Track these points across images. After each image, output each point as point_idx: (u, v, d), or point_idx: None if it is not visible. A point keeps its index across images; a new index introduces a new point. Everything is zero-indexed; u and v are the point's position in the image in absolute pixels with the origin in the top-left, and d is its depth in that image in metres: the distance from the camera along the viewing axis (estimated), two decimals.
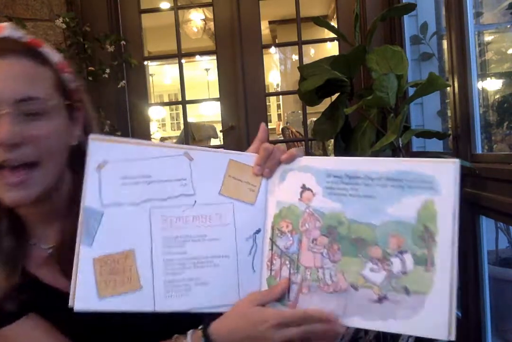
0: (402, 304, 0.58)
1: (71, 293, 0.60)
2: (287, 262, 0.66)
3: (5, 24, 0.70)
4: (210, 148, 0.70)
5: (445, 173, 0.58)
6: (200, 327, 0.65)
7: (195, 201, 0.66)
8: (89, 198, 0.63)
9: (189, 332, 0.65)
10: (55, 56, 0.74)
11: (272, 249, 0.67)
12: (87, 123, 0.79)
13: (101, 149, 0.65)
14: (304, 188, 0.66)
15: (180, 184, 0.66)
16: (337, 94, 1.77)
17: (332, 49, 4.47)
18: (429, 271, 0.57)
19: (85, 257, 0.62)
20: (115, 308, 0.62)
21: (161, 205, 0.65)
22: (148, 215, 0.64)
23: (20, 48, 0.69)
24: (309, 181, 0.66)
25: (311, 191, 0.66)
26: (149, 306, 0.63)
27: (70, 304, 0.60)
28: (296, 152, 0.68)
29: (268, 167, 0.68)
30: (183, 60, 2.68)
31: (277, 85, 7.12)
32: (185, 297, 0.64)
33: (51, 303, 0.75)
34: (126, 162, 0.65)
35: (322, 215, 0.64)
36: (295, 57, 5.66)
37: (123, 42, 2.41)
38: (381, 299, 0.60)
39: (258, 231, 0.68)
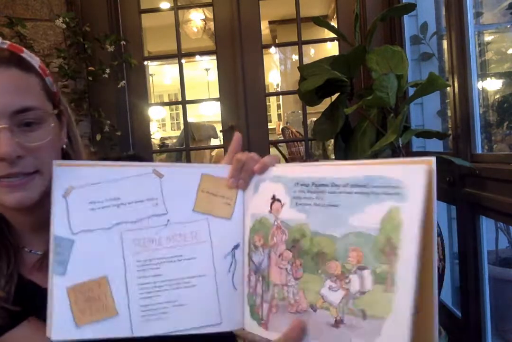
0: (357, 330, 0.51)
1: (47, 323, 0.59)
2: (260, 279, 0.63)
3: None
4: (180, 164, 0.67)
5: (413, 176, 0.50)
6: None
7: (168, 220, 0.64)
8: (58, 226, 0.62)
9: None
10: (35, 60, 0.72)
11: (249, 265, 0.64)
12: (69, 125, 0.78)
13: (66, 175, 0.63)
14: (274, 199, 0.62)
15: (151, 203, 0.64)
16: (337, 94, 1.77)
17: (332, 49, 4.47)
18: (389, 292, 0.49)
19: (58, 287, 0.61)
20: (93, 335, 0.61)
21: (133, 227, 0.63)
22: (119, 239, 0.63)
23: (7, 57, 0.67)
24: (279, 191, 0.62)
25: (280, 202, 0.62)
26: (127, 332, 0.61)
27: (47, 334, 0.59)
28: (268, 161, 0.64)
29: (242, 178, 0.65)
30: (183, 60, 2.68)
31: (277, 85, 7.12)
32: (164, 320, 0.62)
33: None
34: (93, 186, 0.63)
35: (288, 227, 0.60)
36: (295, 57, 5.66)
37: (123, 42, 2.41)
38: (337, 323, 0.53)
39: (236, 246, 0.65)
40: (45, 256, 0.74)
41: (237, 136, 0.70)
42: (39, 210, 0.72)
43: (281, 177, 0.63)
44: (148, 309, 0.62)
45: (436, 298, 0.50)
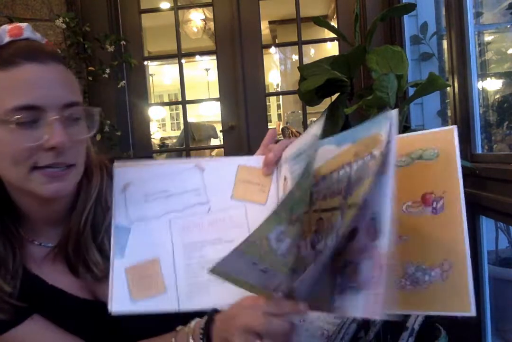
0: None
1: (109, 298, 0.67)
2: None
3: (24, 24, 0.70)
4: (220, 158, 0.78)
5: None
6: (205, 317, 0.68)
7: (210, 208, 0.73)
8: (118, 216, 0.71)
9: (193, 320, 0.70)
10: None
11: None
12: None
13: (123, 174, 0.73)
14: (285, 180, 0.70)
15: (195, 194, 0.73)
16: (337, 94, 1.77)
17: (332, 49, 4.47)
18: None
19: (118, 268, 0.70)
20: (145, 309, 0.69)
21: (179, 215, 0.72)
22: (168, 226, 0.72)
23: (53, 53, 0.71)
24: (286, 171, 0.70)
25: (286, 180, 0.70)
26: (174, 306, 0.69)
27: (108, 308, 0.67)
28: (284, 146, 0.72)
29: (275, 166, 0.72)
30: (183, 60, 2.68)
31: (277, 85, 7.12)
32: (206, 296, 0.69)
33: (55, 303, 0.76)
34: (146, 182, 0.73)
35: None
36: (295, 57, 5.65)
37: (123, 42, 2.41)
38: None
39: None
40: (58, 248, 0.77)
41: (271, 131, 0.78)
42: (61, 202, 0.75)
43: (285, 157, 0.71)
44: (193, 286, 0.70)
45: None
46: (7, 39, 0.67)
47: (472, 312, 0.55)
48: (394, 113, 0.51)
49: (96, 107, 0.73)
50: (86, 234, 0.75)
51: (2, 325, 0.72)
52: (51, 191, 0.68)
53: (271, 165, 0.72)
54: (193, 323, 0.69)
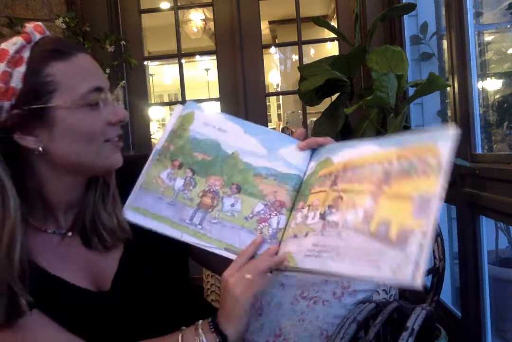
0: None
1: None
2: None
3: (39, 23, 0.74)
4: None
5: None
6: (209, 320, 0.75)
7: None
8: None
9: (199, 322, 0.75)
10: None
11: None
12: None
13: None
14: None
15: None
16: (337, 94, 1.77)
17: (332, 49, 4.47)
18: None
19: None
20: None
21: None
22: None
23: (76, 44, 0.79)
24: None
25: None
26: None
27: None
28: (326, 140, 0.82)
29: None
30: (183, 60, 2.68)
31: (277, 85, 7.12)
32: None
33: (55, 292, 0.76)
34: None
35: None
36: (295, 57, 5.66)
37: (123, 42, 2.41)
38: None
39: None
40: (74, 233, 0.80)
41: (300, 130, 0.87)
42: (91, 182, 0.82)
43: None
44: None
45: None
46: (38, 36, 0.72)
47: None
48: (455, 130, 0.62)
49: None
50: (99, 202, 0.81)
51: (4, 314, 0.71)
52: (117, 160, 0.78)
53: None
54: (200, 321, 0.74)
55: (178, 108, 0.84)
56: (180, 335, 0.74)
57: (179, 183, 0.79)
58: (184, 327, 0.76)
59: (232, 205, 0.77)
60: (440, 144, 0.61)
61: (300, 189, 0.79)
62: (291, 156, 0.81)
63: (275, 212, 0.77)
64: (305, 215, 0.74)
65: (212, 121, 0.83)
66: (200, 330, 0.73)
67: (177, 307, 0.86)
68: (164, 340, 0.76)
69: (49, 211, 0.79)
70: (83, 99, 0.71)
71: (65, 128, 0.72)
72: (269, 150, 0.81)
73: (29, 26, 0.72)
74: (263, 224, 0.76)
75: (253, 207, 0.77)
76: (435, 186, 0.59)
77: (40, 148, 0.72)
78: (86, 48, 0.75)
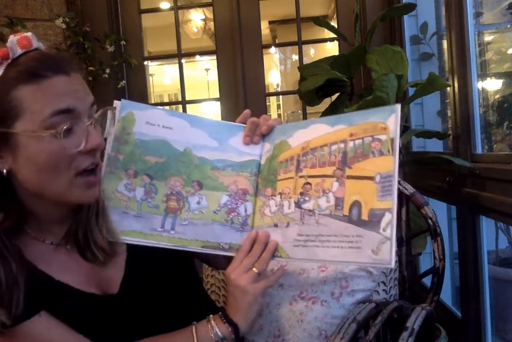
0: None
1: None
2: None
3: (28, 33, 0.69)
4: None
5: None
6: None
7: None
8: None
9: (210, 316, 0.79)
10: None
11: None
12: None
13: None
14: None
15: None
16: (337, 94, 1.77)
17: (332, 49, 4.46)
18: None
19: None
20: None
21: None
22: None
23: (73, 61, 0.72)
24: None
25: None
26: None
27: None
28: (273, 123, 0.85)
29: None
30: (183, 60, 2.68)
31: (277, 85, 7.11)
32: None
33: (62, 298, 0.76)
34: None
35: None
36: (295, 57, 5.65)
37: (123, 42, 2.41)
38: None
39: None
40: (68, 236, 0.78)
41: (246, 112, 0.88)
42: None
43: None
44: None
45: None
46: (19, 51, 0.67)
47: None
48: (398, 107, 0.65)
49: (110, 106, 0.75)
50: (93, 218, 0.77)
51: (10, 319, 0.71)
52: (91, 197, 0.72)
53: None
54: (211, 315, 0.78)
55: (112, 111, 0.76)
56: (194, 327, 0.77)
57: (139, 192, 0.76)
58: (195, 322, 0.79)
59: (198, 203, 0.78)
60: (388, 120, 0.66)
61: (261, 173, 0.80)
62: (242, 144, 0.82)
63: (240, 201, 0.79)
64: (280, 204, 0.76)
65: (155, 119, 0.79)
66: (212, 321, 0.77)
67: (186, 304, 0.87)
68: (178, 334, 0.79)
69: (44, 223, 0.77)
70: (44, 123, 0.65)
71: (29, 156, 0.66)
72: (220, 142, 0.81)
73: (13, 40, 0.66)
74: (232, 214, 0.78)
75: (219, 200, 0.78)
76: (390, 162, 0.64)
77: (5, 170, 0.68)
78: (77, 66, 0.72)
